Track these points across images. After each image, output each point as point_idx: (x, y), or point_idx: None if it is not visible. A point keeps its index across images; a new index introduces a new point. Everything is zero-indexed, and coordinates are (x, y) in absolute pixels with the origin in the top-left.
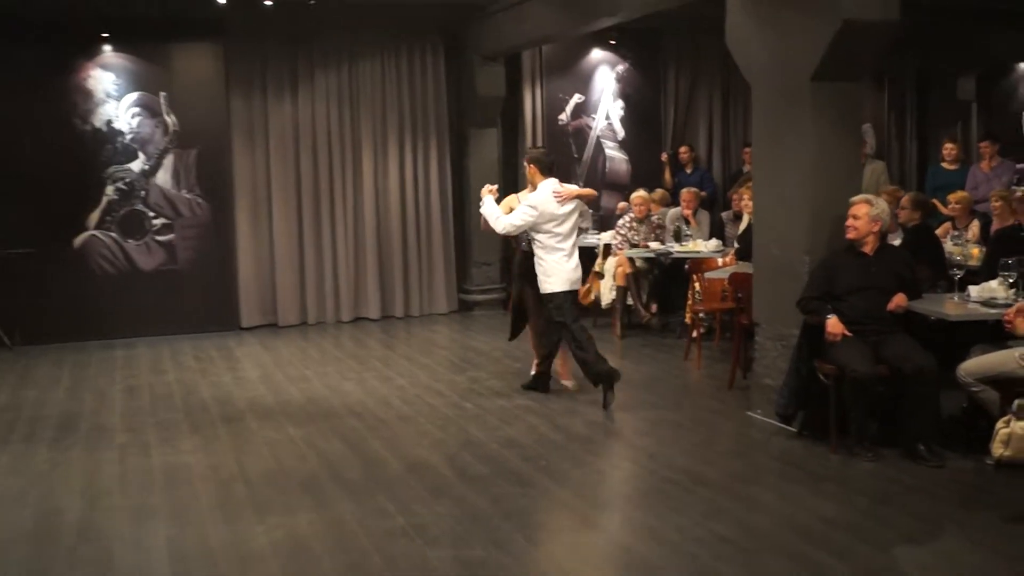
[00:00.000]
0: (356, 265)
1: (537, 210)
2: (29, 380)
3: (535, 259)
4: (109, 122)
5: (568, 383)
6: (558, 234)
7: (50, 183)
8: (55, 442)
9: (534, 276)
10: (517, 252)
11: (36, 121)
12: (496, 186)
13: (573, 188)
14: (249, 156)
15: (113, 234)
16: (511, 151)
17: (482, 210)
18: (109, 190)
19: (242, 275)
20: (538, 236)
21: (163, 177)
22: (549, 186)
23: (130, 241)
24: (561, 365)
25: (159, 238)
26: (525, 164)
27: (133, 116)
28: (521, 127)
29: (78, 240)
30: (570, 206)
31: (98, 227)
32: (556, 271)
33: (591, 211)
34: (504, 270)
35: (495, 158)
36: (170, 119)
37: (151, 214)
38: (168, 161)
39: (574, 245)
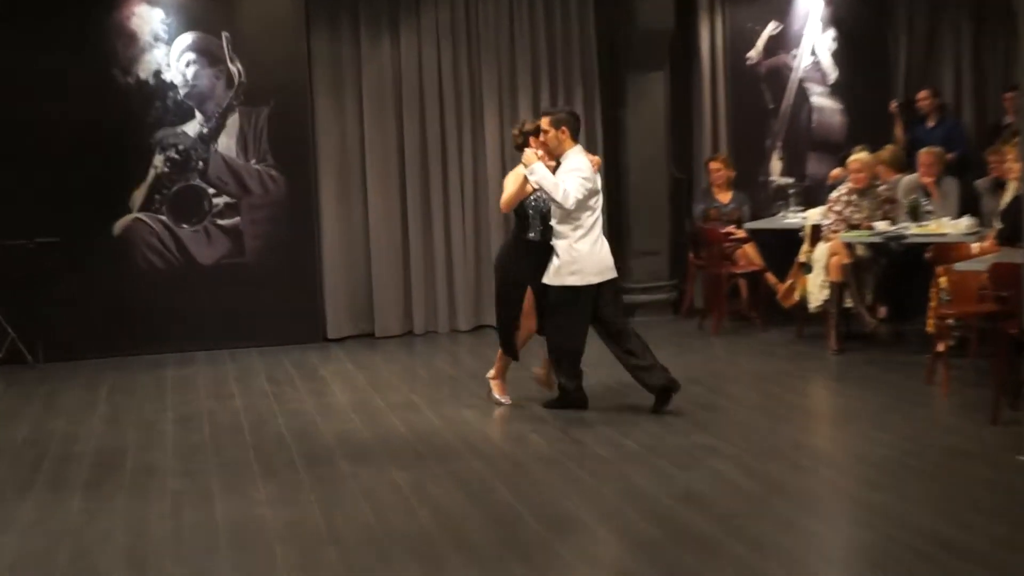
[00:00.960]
0: (477, 258)
1: (590, 180)
2: (57, 407)
3: (561, 248)
4: (157, 72)
5: (504, 399)
6: (596, 211)
7: (82, 153)
8: (91, 488)
9: (538, 270)
10: (512, 241)
11: (63, 73)
12: (541, 149)
13: (594, 157)
14: (336, 115)
15: (163, 218)
16: (682, 101)
17: (541, 180)
18: (158, 161)
19: (328, 271)
20: (580, 216)
21: (226, 143)
22: (582, 154)
23: (184, 227)
24: (543, 376)
25: (221, 222)
26: (545, 128)
27: (188, 64)
28: (696, 69)
29: (118, 226)
30: (600, 178)
31: (144, 209)
32: (592, 259)
33: None
34: (675, 260)
35: (661, 110)
36: (235, 68)
37: (211, 191)
38: (232, 122)
39: (601, 226)
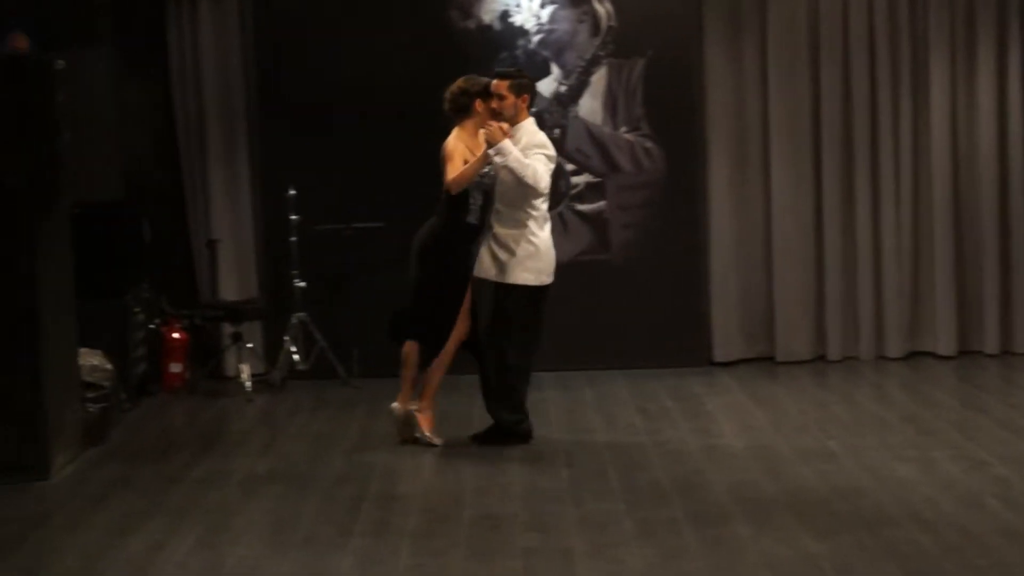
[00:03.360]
0: (916, 263)
1: (552, 160)
2: (375, 435)
3: (512, 239)
4: (505, 15)
5: (436, 439)
6: (548, 197)
7: (407, 117)
8: (420, 539)
9: (465, 260)
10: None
11: (386, 18)
12: (506, 125)
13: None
14: (732, 70)
15: None
16: None
17: (502, 161)
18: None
19: (717, 274)
20: (536, 202)
21: (590, 105)
22: (534, 126)
23: None
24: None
25: (581, 207)
26: (504, 94)
27: (543, 5)
28: None
29: None
30: None
31: None
32: (548, 254)
33: None
34: None
35: None
36: (603, 8)
37: (569, 167)
38: (598, 79)
39: None
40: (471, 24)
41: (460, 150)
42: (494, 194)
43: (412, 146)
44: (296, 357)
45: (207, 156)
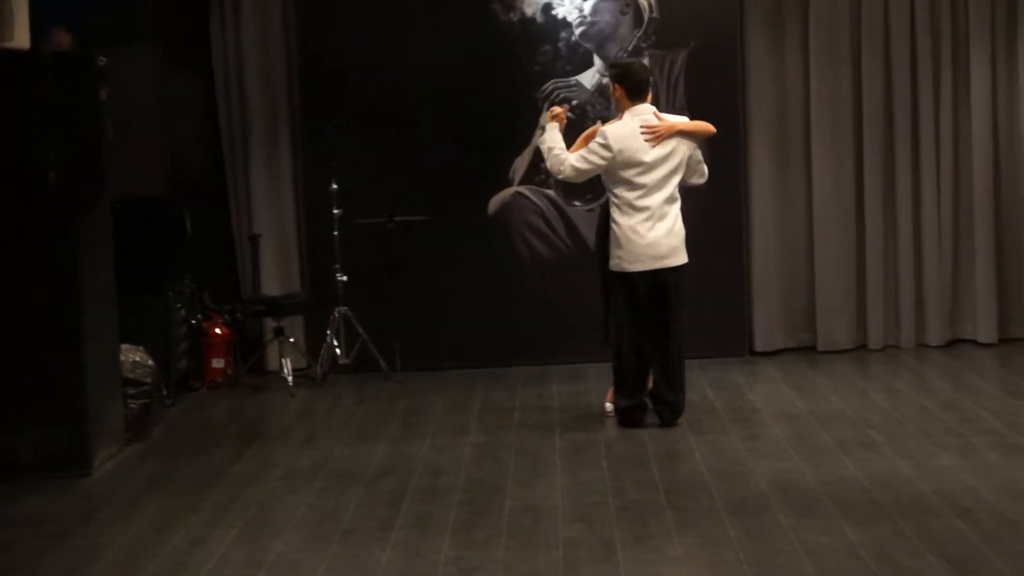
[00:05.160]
0: (956, 251)
1: (612, 149)
2: (418, 428)
3: (610, 222)
4: (547, 7)
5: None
6: (639, 186)
7: (449, 110)
8: (461, 532)
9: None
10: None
11: (428, 11)
12: (566, 107)
13: (679, 120)
14: (774, 60)
15: (550, 192)
16: None
17: (541, 142)
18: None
19: (758, 263)
20: (614, 189)
21: None
22: (638, 116)
23: (577, 204)
24: None
25: None
26: (610, 83)
27: None
28: None
29: (494, 203)
30: (664, 149)
31: (526, 181)
32: (630, 241)
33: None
34: None
35: None
36: (645, 0)
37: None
38: None
39: (668, 204)
40: (514, 17)
41: (583, 136)
42: None
43: (455, 140)
44: (338, 351)
45: (249, 151)
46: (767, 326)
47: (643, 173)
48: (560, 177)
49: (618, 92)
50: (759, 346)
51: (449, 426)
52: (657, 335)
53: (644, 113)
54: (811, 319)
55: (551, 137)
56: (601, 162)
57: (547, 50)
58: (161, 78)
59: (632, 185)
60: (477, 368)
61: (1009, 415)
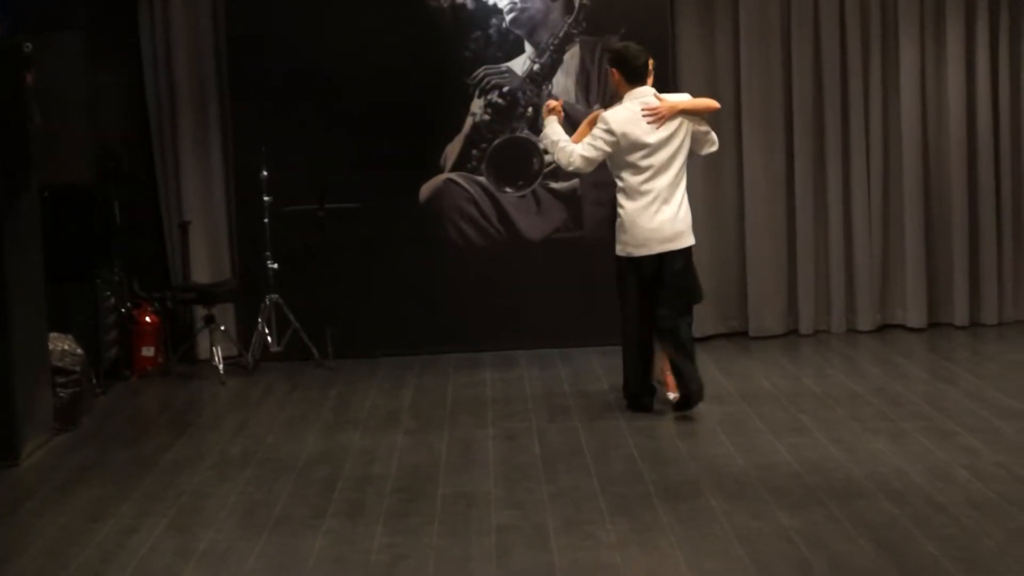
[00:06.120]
0: (885, 237)
1: (615, 134)
2: (350, 416)
3: (616, 208)
4: None
5: (671, 394)
6: (644, 169)
7: (380, 97)
8: (395, 519)
9: None
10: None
11: (359, 1)
12: (561, 101)
13: (680, 98)
14: (704, 45)
15: (481, 179)
16: None
17: (543, 138)
18: (476, 107)
19: None
20: (621, 173)
21: (563, 83)
22: (638, 100)
23: (508, 191)
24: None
25: (555, 186)
26: (609, 67)
27: None
28: None
29: (426, 189)
30: (667, 130)
31: (458, 168)
32: (636, 225)
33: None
34: None
35: None
36: None
37: (543, 146)
38: (571, 56)
39: (673, 187)
40: (444, 3)
41: (585, 122)
42: None
43: (386, 127)
44: (269, 339)
45: (179, 138)
46: (699, 312)
47: (648, 155)
48: (571, 169)
49: (616, 77)
50: (695, 332)
51: (382, 414)
52: (667, 318)
53: (644, 96)
54: (743, 305)
55: (553, 131)
56: (607, 148)
57: (478, 36)
58: (89, 65)
59: (637, 168)
60: (410, 355)
61: (938, 399)
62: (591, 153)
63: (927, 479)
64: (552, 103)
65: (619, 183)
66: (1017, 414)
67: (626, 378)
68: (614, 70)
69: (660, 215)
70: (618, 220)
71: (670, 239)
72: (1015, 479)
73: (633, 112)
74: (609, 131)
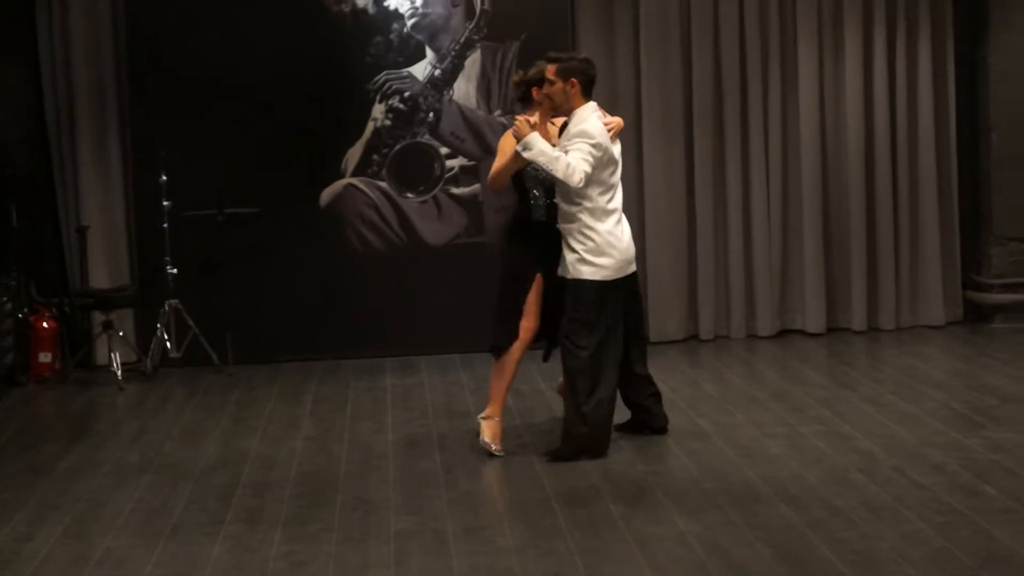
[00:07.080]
0: (784, 243)
1: (602, 148)
2: (249, 422)
3: (571, 232)
4: None
5: (496, 448)
6: (611, 187)
7: (281, 102)
8: (295, 524)
9: (551, 255)
10: (512, 223)
11: (261, 1)
12: (535, 117)
13: (615, 118)
14: (605, 52)
15: (382, 184)
16: None
17: (538, 154)
18: (377, 112)
19: None
20: (588, 192)
21: (464, 89)
22: (595, 113)
23: (409, 196)
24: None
25: (457, 191)
26: (551, 78)
27: None
28: None
29: (326, 194)
30: (619, 145)
31: (358, 173)
32: (612, 247)
33: None
34: None
35: None
36: None
37: (443, 151)
38: (472, 62)
39: (620, 204)
40: (345, 8)
41: (511, 143)
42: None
43: (286, 131)
44: (168, 345)
45: (77, 142)
46: None
47: (614, 172)
48: (573, 184)
49: (573, 88)
50: None
51: (281, 419)
52: (632, 340)
53: (595, 109)
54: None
55: (547, 145)
56: (595, 164)
57: (379, 41)
58: None
59: (606, 186)
60: (310, 361)
61: (836, 403)
62: (588, 168)
63: (824, 483)
64: (531, 118)
65: (585, 203)
66: (913, 419)
67: (584, 413)
68: (573, 80)
69: (626, 233)
70: (585, 246)
71: (633, 257)
72: (911, 483)
73: (600, 125)
74: (597, 145)
